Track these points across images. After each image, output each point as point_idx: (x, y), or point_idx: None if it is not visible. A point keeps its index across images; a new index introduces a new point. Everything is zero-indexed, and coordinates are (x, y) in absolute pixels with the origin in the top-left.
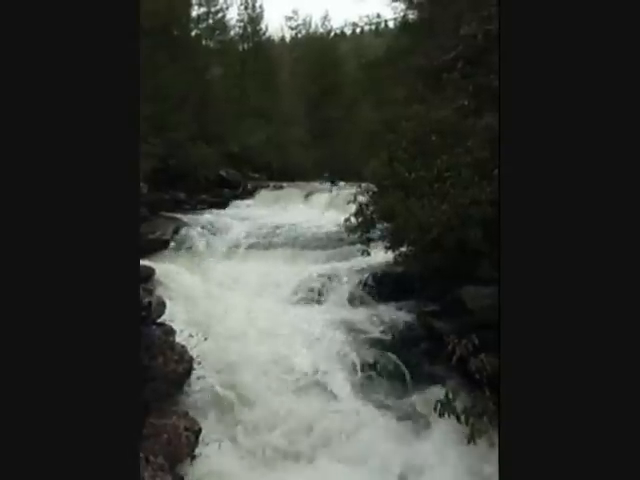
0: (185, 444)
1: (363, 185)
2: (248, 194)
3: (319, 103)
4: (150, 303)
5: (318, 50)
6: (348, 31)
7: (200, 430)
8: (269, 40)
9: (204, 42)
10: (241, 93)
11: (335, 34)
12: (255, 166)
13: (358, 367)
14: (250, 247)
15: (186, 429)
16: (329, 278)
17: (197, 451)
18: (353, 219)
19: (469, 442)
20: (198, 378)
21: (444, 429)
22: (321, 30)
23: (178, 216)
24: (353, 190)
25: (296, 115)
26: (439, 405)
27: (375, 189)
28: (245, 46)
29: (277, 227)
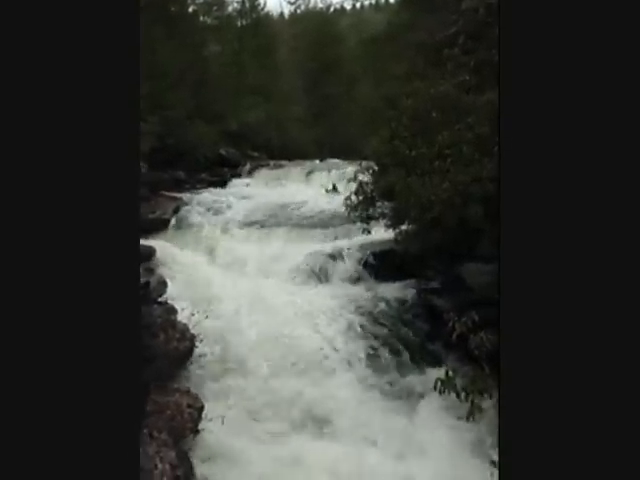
0: (188, 420)
1: (364, 163)
2: (248, 173)
3: (319, 80)
4: (148, 282)
5: (317, 26)
6: (348, 6)
7: (202, 407)
8: (268, 16)
9: (202, 18)
10: (239, 70)
11: (335, 9)
12: (255, 144)
13: (358, 345)
14: (250, 226)
15: (189, 406)
16: (330, 257)
17: (200, 426)
18: (354, 197)
19: (468, 419)
20: (200, 356)
21: (442, 406)
22: (320, 5)
23: (178, 195)
24: (354, 168)
25: (295, 92)
26: (439, 382)
27: (375, 167)
28: (243, 22)
29: (277, 206)
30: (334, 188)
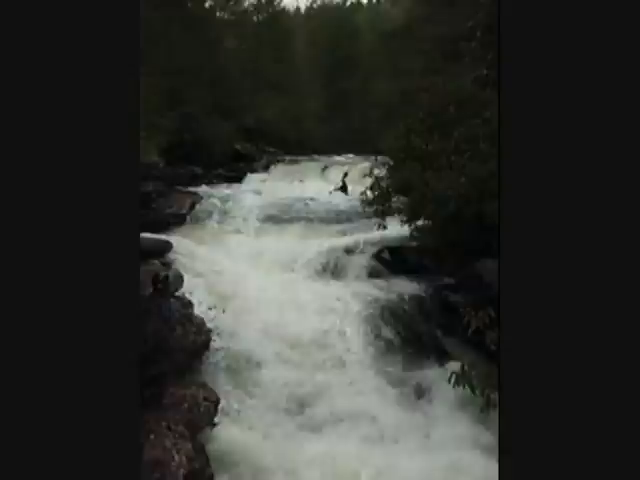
0: (204, 413)
1: (379, 158)
2: (263, 168)
3: (335, 75)
4: (167, 276)
5: (334, 20)
6: (364, 0)
7: (218, 400)
8: (284, 11)
9: (218, 14)
10: (256, 66)
11: (351, 3)
12: (271, 140)
13: (373, 339)
14: (266, 221)
15: (205, 399)
16: (345, 252)
17: (216, 419)
18: (369, 193)
19: (482, 412)
20: (217, 349)
21: (456, 400)
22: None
23: (194, 190)
24: (369, 163)
25: (312, 87)
26: (454, 376)
27: (391, 162)
28: (260, 17)
29: (293, 201)
30: (343, 188)
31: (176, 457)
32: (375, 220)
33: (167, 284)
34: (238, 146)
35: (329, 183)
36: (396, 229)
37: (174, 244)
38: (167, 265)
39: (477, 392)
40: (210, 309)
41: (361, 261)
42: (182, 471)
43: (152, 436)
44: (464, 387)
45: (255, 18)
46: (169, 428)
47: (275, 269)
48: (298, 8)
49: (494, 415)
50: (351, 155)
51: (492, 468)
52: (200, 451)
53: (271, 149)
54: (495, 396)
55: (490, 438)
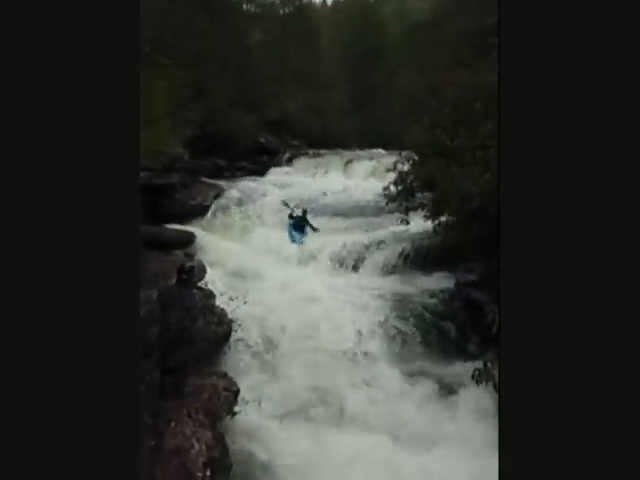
0: (224, 403)
1: (404, 153)
2: (287, 161)
3: (360, 68)
4: (192, 267)
5: (360, 13)
6: None
7: (238, 391)
8: (310, 3)
9: (244, 6)
10: (281, 58)
11: None
12: (294, 133)
13: (394, 335)
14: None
15: (225, 389)
16: (367, 247)
17: (236, 409)
18: (393, 187)
19: None
20: (237, 340)
21: (480, 397)
22: None
23: (218, 182)
24: (393, 158)
25: (336, 80)
26: (477, 373)
27: (416, 157)
28: (285, 10)
29: (316, 195)
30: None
31: (196, 445)
32: (398, 215)
33: (192, 275)
34: (262, 139)
35: (353, 177)
36: (419, 224)
37: (197, 235)
38: (190, 256)
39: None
40: (231, 300)
41: (383, 256)
42: (201, 459)
43: (173, 424)
44: (486, 384)
45: (281, 11)
46: (189, 416)
47: (296, 262)
48: (324, 1)
49: None
50: (375, 149)
51: None
52: (219, 440)
53: (295, 142)
54: None
55: None
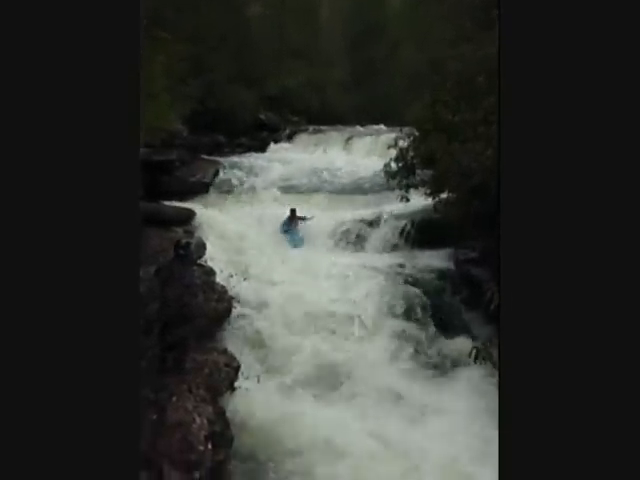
0: (225, 378)
1: (404, 129)
2: (287, 137)
3: (361, 42)
4: (189, 243)
5: None
6: None
7: (239, 367)
8: None
9: None
10: (281, 33)
11: None
12: (294, 109)
13: (392, 311)
14: (289, 191)
15: (226, 365)
16: (367, 224)
17: (237, 384)
18: (393, 164)
19: None
20: (238, 316)
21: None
22: None
23: (218, 159)
24: (394, 134)
25: (337, 55)
26: (475, 350)
27: (416, 133)
28: None
29: (316, 171)
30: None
31: (197, 419)
32: (399, 192)
33: (189, 251)
34: (262, 115)
35: (353, 154)
36: (420, 202)
37: (197, 212)
38: (190, 233)
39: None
40: (231, 276)
41: (383, 233)
42: (203, 433)
43: (174, 398)
44: (484, 362)
45: None
46: (190, 391)
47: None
48: None
49: None
50: (376, 126)
51: None
52: (221, 415)
53: (295, 118)
54: None
55: None
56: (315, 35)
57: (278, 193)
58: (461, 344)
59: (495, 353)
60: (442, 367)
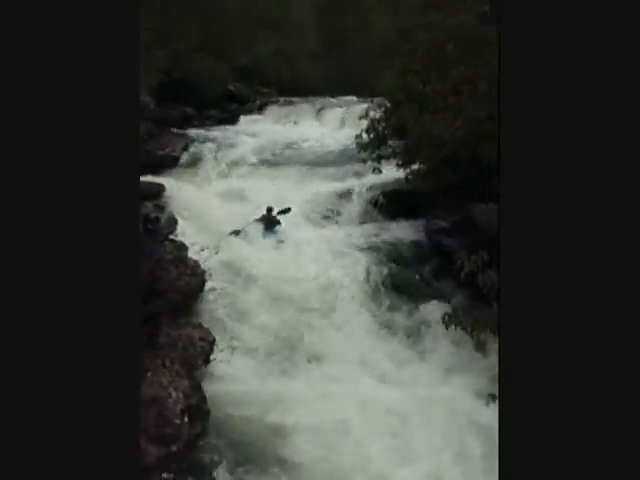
0: (200, 353)
1: (376, 100)
2: (257, 109)
3: (331, 11)
4: (157, 217)
5: None
6: None
7: (214, 340)
8: None
9: None
10: (249, 1)
11: None
12: (264, 80)
13: (365, 282)
14: (260, 164)
15: (201, 339)
16: (340, 196)
17: (211, 357)
18: (365, 135)
19: (476, 350)
20: (210, 290)
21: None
22: None
23: (187, 132)
24: (365, 105)
25: (307, 25)
26: (446, 317)
27: (388, 104)
28: None
29: (287, 144)
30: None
31: (173, 394)
32: (370, 164)
33: (158, 225)
34: (231, 86)
35: (324, 125)
36: (392, 173)
37: (167, 186)
38: (160, 208)
39: (468, 332)
40: (202, 250)
41: (355, 205)
42: (179, 407)
43: (149, 374)
44: (455, 328)
45: None
46: (164, 365)
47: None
48: None
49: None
50: (347, 97)
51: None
52: (197, 388)
53: (265, 90)
54: (485, 336)
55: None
56: (284, 4)
57: (248, 166)
58: (431, 311)
59: (465, 319)
60: (412, 333)
